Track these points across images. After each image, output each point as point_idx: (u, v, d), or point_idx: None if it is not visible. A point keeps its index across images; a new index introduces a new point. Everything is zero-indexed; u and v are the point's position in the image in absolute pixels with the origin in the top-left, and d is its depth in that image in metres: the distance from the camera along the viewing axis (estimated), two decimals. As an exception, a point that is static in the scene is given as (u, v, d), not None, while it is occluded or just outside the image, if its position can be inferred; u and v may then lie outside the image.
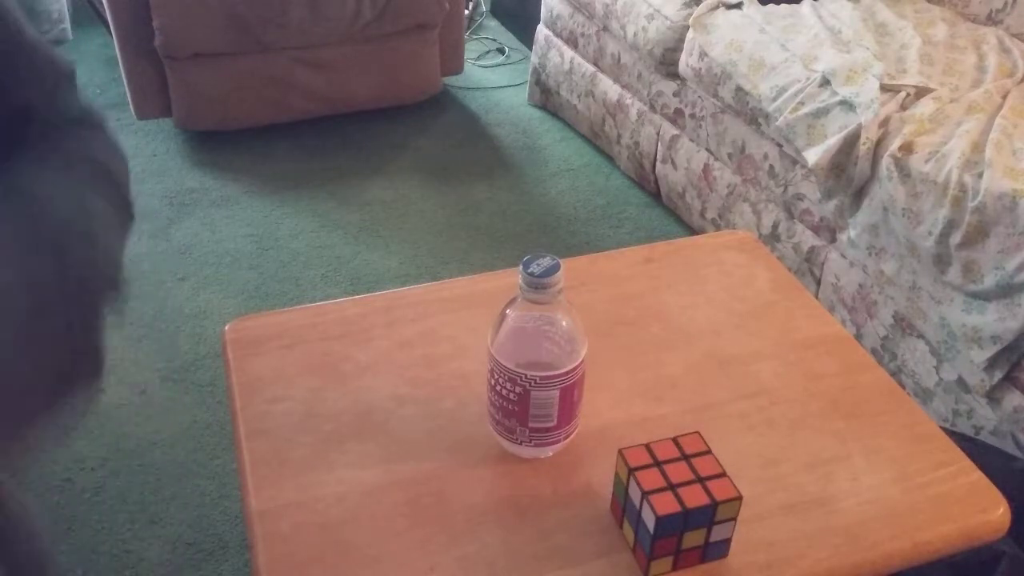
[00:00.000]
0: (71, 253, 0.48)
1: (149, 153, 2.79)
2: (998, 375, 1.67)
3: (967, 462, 0.89)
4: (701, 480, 0.76)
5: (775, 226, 2.19)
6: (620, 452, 0.78)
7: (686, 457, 0.78)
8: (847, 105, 1.90)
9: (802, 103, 1.97)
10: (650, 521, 0.74)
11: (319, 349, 0.98)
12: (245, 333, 1.00)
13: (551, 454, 0.87)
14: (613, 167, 2.82)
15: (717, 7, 2.31)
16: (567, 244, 2.48)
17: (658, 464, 0.77)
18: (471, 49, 3.47)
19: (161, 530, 1.69)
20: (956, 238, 1.66)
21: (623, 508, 0.79)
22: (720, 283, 1.10)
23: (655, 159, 2.58)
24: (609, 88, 2.72)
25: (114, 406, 1.94)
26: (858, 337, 1.96)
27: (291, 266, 2.36)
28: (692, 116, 2.40)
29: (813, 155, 1.92)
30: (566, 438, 0.87)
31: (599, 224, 2.58)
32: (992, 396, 1.70)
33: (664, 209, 2.63)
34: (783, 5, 2.29)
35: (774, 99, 2.04)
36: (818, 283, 2.09)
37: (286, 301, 2.24)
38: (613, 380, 0.96)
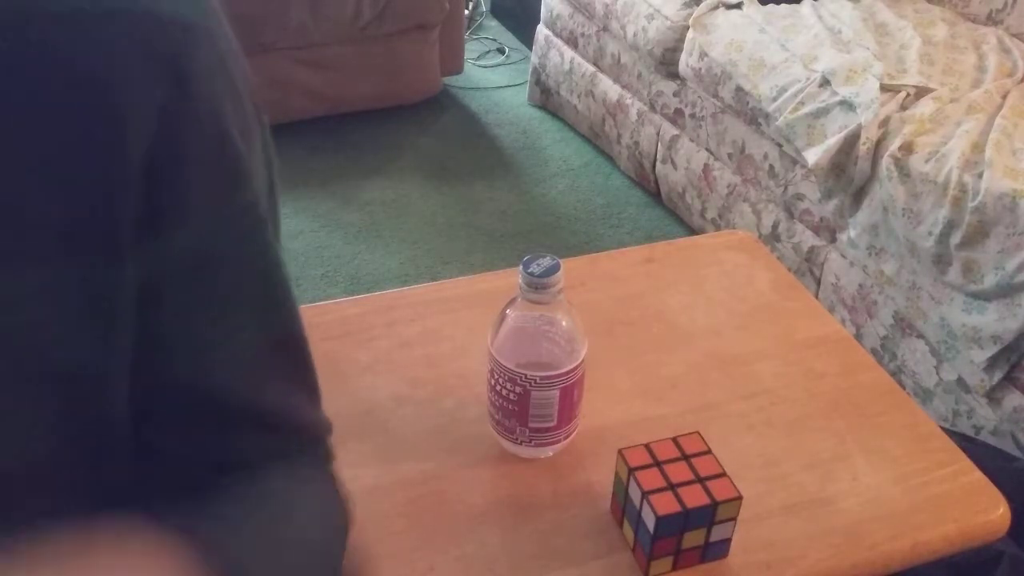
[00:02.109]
0: None
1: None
2: (998, 375, 1.67)
3: (967, 462, 0.89)
4: (701, 480, 0.76)
5: (775, 226, 2.19)
6: (620, 452, 0.78)
7: (686, 457, 0.78)
8: (847, 105, 1.90)
9: (802, 103, 1.97)
10: (650, 521, 0.74)
11: (319, 349, 0.98)
12: (245, 333, 1.00)
13: (551, 454, 0.87)
14: (613, 167, 2.82)
15: (717, 7, 2.31)
16: (567, 244, 2.48)
17: (658, 464, 0.77)
18: (471, 49, 3.47)
19: (161, 530, 1.68)
20: (956, 238, 1.66)
21: (623, 508, 0.79)
22: (720, 283, 1.10)
23: (655, 159, 2.58)
24: (609, 88, 2.72)
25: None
26: (858, 337, 1.96)
27: (291, 266, 2.36)
28: (692, 116, 2.40)
29: (813, 155, 1.92)
30: (566, 438, 0.87)
31: (599, 224, 2.58)
32: (992, 396, 1.70)
33: (664, 209, 2.63)
34: (783, 5, 2.29)
35: (774, 99, 2.04)
36: (818, 283, 2.09)
37: (286, 301, 2.23)
38: (613, 380, 0.96)
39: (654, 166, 2.59)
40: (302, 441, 0.50)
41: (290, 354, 0.48)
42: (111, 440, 0.41)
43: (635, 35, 2.48)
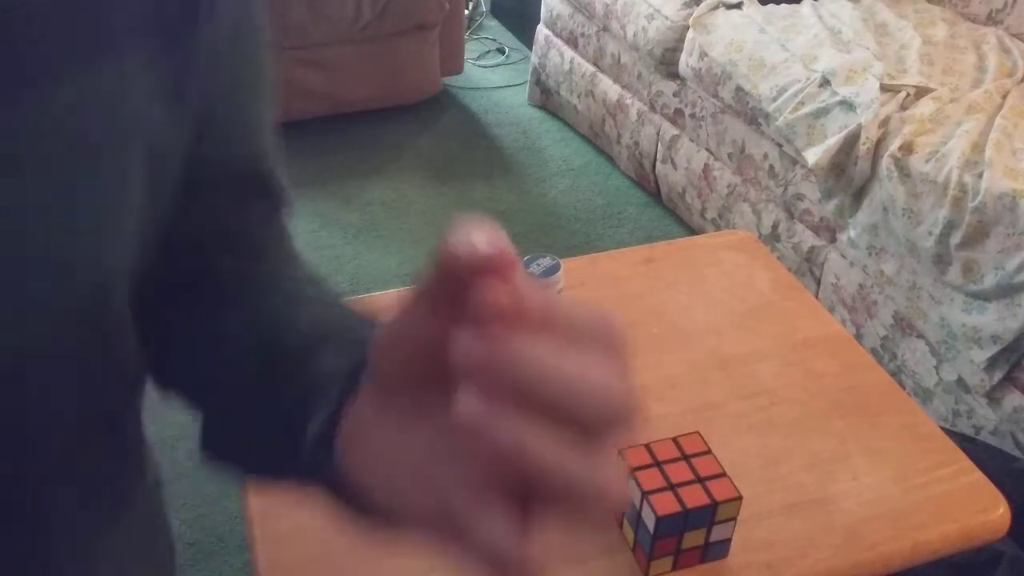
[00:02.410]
0: None
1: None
2: (998, 375, 1.67)
3: (967, 462, 0.89)
4: (701, 480, 0.76)
5: (775, 226, 2.19)
6: (620, 452, 0.78)
7: (686, 457, 0.78)
8: (847, 105, 1.90)
9: (802, 103, 1.97)
10: (650, 521, 0.74)
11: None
12: (245, 333, 1.00)
13: (551, 454, 0.87)
14: (613, 167, 2.82)
15: (717, 7, 2.31)
16: (567, 244, 2.48)
17: (658, 464, 0.77)
18: (471, 49, 3.47)
19: (161, 530, 1.68)
20: (956, 238, 1.66)
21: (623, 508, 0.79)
22: (720, 283, 1.10)
23: (655, 159, 2.58)
24: (609, 88, 2.72)
25: (114, 406, 1.93)
26: (858, 337, 1.96)
27: (291, 266, 2.36)
28: (692, 116, 2.40)
29: (813, 155, 1.92)
30: (566, 438, 0.86)
31: (599, 224, 2.58)
32: (992, 396, 1.70)
33: (664, 209, 2.63)
34: (783, 5, 2.29)
35: (774, 99, 2.04)
36: (818, 283, 2.09)
37: (286, 301, 2.24)
38: (613, 380, 0.95)
39: (654, 166, 2.59)
40: (289, 207, 0.56)
41: (277, 131, 0.54)
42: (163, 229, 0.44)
43: (635, 35, 2.48)
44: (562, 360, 0.27)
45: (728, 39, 2.19)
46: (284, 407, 0.42)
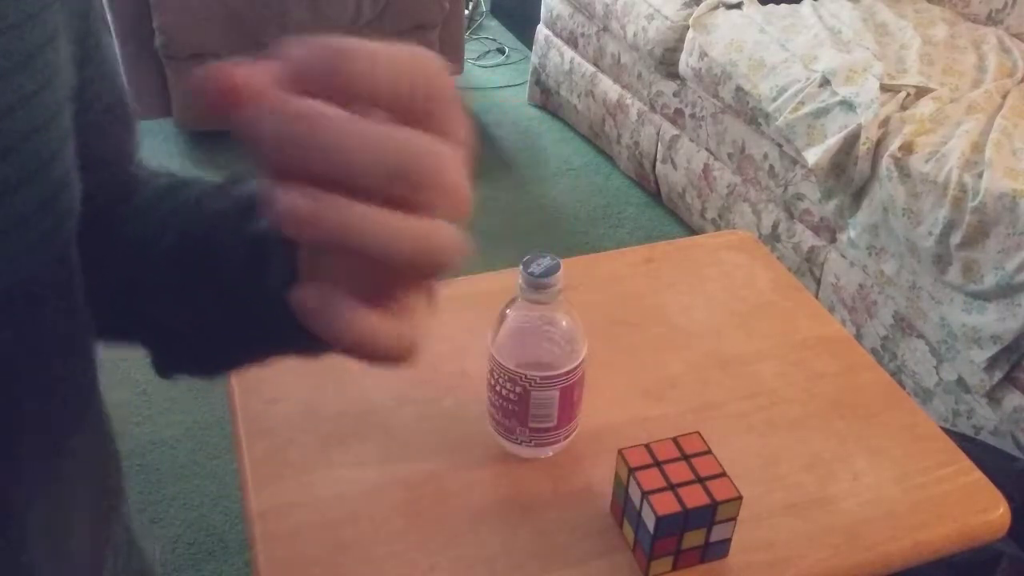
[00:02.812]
0: None
1: (149, 153, 2.78)
2: (998, 375, 1.67)
3: (967, 462, 0.89)
4: (701, 480, 0.76)
5: (775, 226, 2.19)
6: (620, 452, 0.78)
7: (686, 457, 0.78)
8: (847, 105, 1.90)
9: (802, 103, 1.97)
10: (650, 521, 0.74)
11: (319, 349, 0.98)
12: (245, 333, 0.99)
13: (551, 454, 0.87)
14: (613, 167, 2.82)
15: (717, 7, 2.31)
16: (567, 244, 2.48)
17: (658, 464, 0.77)
18: (471, 49, 3.47)
19: (161, 530, 1.68)
20: (956, 238, 1.66)
21: (623, 508, 0.79)
22: (720, 283, 1.10)
23: (655, 159, 2.58)
24: (609, 88, 2.72)
25: (114, 406, 1.93)
26: (858, 337, 1.96)
27: (291, 266, 2.36)
28: (692, 116, 2.40)
29: (813, 155, 1.92)
30: (566, 438, 0.87)
31: (599, 224, 2.58)
32: (992, 396, 1.70)
33: (664, 209, 2.63)
34: (783, 5, 2.29)
35: (774, 99, 2.04)
36: (818, 283, 2.09)
37: (286, 301, 2.23)
38: (613, 380, 0.95)
39: (654, 166, 2.59)
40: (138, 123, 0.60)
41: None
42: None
43: (635, 35, 2.48)
44: (367, 128, 0.27)
45: (728, 39, 2.19)
46: (237, 274, 0.44)
